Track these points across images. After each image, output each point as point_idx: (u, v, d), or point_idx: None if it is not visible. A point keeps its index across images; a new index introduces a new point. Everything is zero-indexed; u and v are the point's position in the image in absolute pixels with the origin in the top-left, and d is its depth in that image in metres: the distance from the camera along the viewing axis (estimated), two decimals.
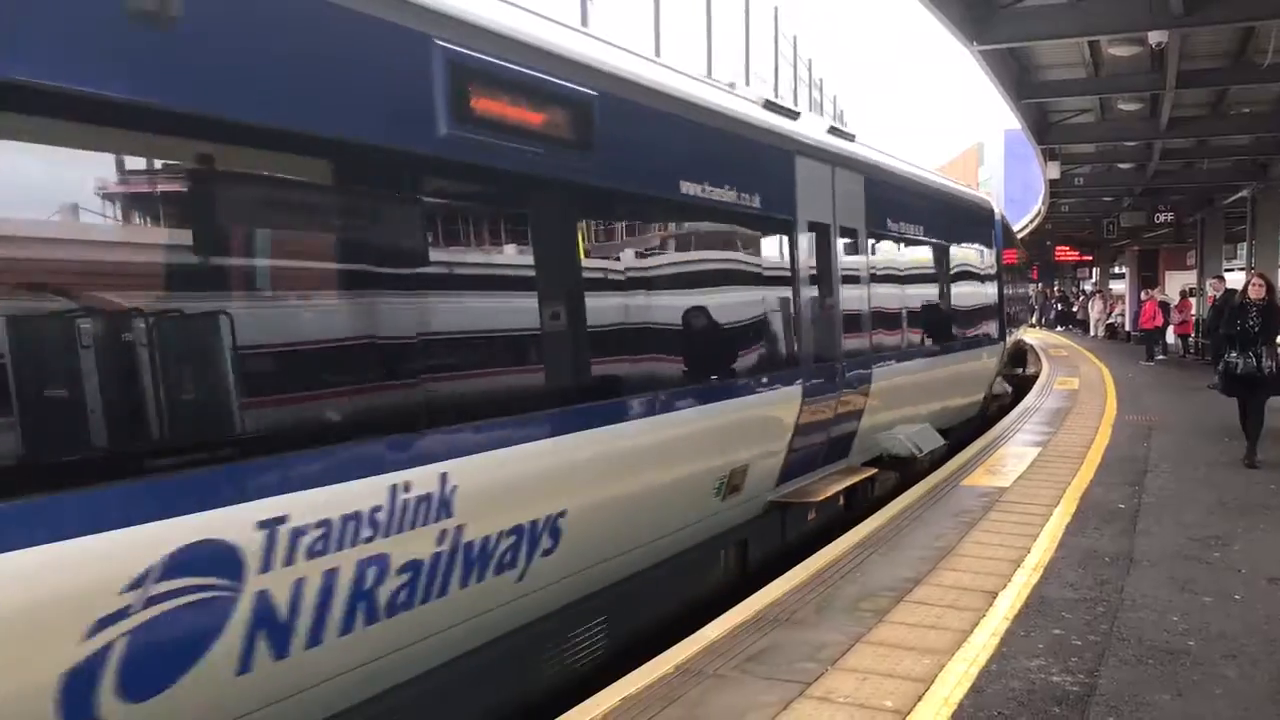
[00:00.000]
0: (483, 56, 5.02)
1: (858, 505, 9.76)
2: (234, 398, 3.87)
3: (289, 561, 3.90)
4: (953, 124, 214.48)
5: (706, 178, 7.14)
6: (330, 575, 4.09)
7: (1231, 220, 32.50)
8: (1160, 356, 27.49)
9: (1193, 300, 29.54)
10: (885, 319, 10.59)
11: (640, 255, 6.69)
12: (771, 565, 7.90)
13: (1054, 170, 24.08)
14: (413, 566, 4.49)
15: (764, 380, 7.96)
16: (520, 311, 5.45)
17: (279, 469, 3.90)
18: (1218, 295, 18.25)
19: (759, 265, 8.20)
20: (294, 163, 4.25)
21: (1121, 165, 27.44)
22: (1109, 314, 41.01)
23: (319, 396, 4.24)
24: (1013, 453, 12.24)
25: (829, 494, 8.77)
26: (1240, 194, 28.15)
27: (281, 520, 3.85)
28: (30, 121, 3.32)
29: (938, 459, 11.58)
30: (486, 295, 5.38)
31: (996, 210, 17.16)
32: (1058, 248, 49.72)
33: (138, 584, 3.41)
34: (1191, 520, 8.65)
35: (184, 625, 3.60)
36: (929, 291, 12.50)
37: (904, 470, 10.82)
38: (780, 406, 8.12)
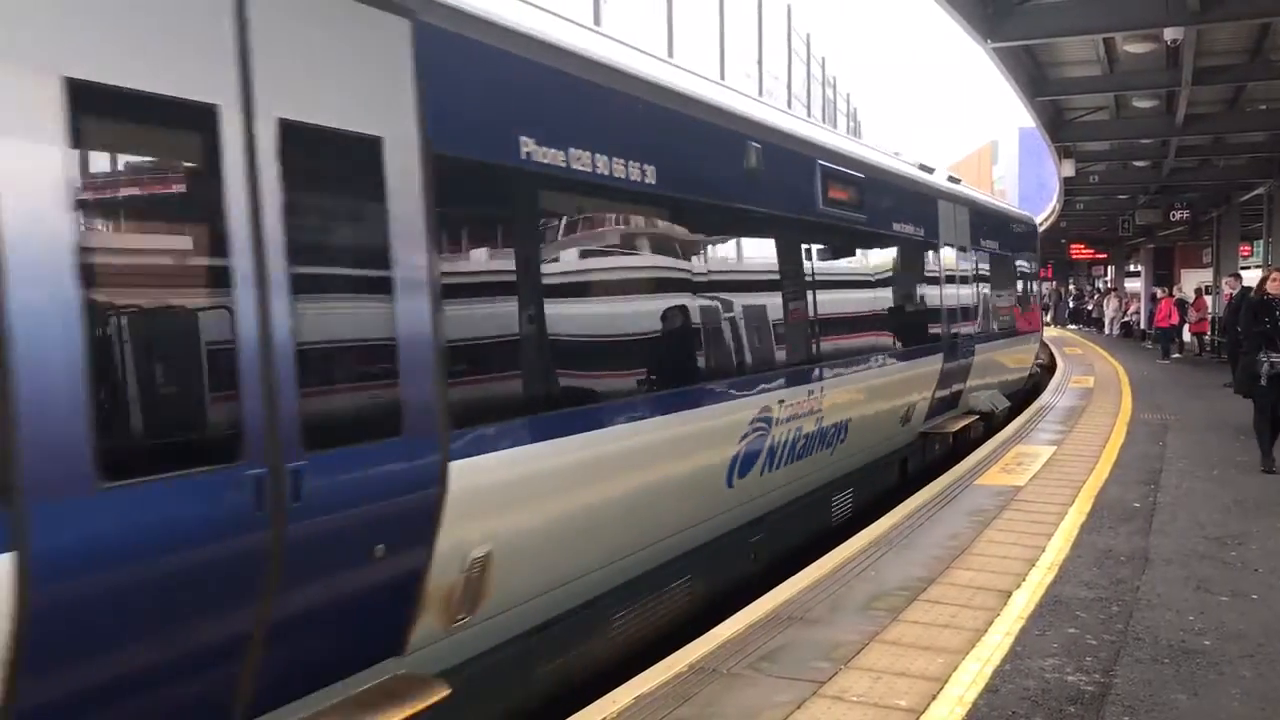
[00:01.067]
0: (832, 166, 9.45)
1: (960, 443, 13.68)
2: (780, 351, 8.30)
3: (781, 422, 7.93)
4: (966, 122, 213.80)
5: (904, 219, 11.65)
6: (786, 431, 8.07)
7: (1248, 218, 32.29)
8: (1176, 355, 27.37)
9: (1209, 298, 29.38)
10: (982, 310, 15.09)
11: (880, 270, 11.24)
12: (915, 479, 11.65)
13: (1069, 168, 23.95)
14: (805, 435, 8.51)
15: (926, 348, 12.24)
16: (855, 302, 10.24)
17: (782, 378, 8.07)
18: (1234, 293, 18.11)
19: (927, 272, 12.60)
20: (803, 230, 8.85)
21: (1137, 163, 27.30)
22: (1124, 312, 40.81)
23: (794, 349, 8.53)
24: (1028, 451, 12.20)
25: (956, 428, 13.38)
26: (1257, 191, 27.97)
27: (784, 400, 8.00)
28: (716, 223, 7.43)
29: (1005, 416, 15.91)
30: (843, 295, 9.96)
31: (1039, 225, 22.88)
32: (1072, 245, 49.50)
33: (750, 421, 7.45)
34: (1207, 519, 8.61)
35: (757, 443, 7.58)
36: (1005, 290, 17.16)
37: (987, 421, 15.09)
38: (931, 366, 12.38)
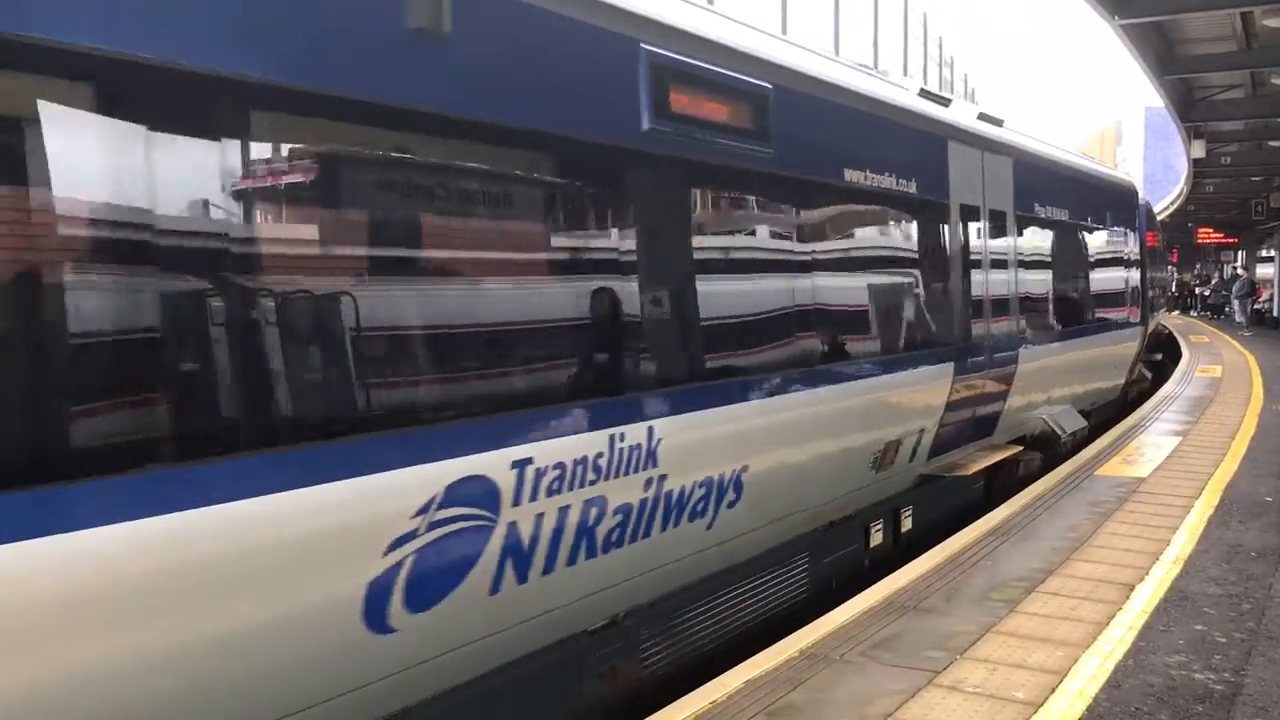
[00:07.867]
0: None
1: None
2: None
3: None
4: (1090, 101, 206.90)
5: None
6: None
7: None
8: None
9: None
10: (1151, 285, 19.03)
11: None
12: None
13: (1199, 149, 23.01)
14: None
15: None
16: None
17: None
18: None
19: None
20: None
21: (1273, 143, 26.12)
22: (1256, 299, 39.07)
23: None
24: (1150, 442, 11.81)
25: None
26: None
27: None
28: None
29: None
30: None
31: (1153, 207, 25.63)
32: (1200, 229, 47.71)
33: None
34: None
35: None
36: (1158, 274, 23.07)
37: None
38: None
